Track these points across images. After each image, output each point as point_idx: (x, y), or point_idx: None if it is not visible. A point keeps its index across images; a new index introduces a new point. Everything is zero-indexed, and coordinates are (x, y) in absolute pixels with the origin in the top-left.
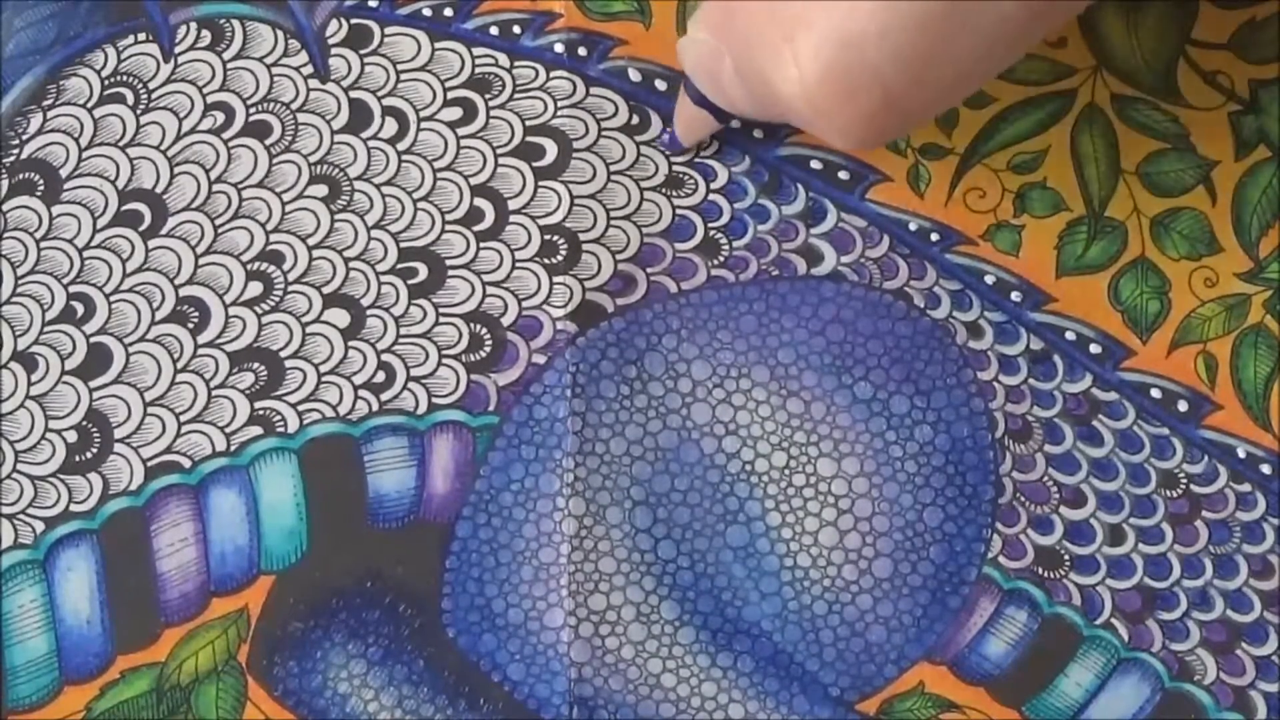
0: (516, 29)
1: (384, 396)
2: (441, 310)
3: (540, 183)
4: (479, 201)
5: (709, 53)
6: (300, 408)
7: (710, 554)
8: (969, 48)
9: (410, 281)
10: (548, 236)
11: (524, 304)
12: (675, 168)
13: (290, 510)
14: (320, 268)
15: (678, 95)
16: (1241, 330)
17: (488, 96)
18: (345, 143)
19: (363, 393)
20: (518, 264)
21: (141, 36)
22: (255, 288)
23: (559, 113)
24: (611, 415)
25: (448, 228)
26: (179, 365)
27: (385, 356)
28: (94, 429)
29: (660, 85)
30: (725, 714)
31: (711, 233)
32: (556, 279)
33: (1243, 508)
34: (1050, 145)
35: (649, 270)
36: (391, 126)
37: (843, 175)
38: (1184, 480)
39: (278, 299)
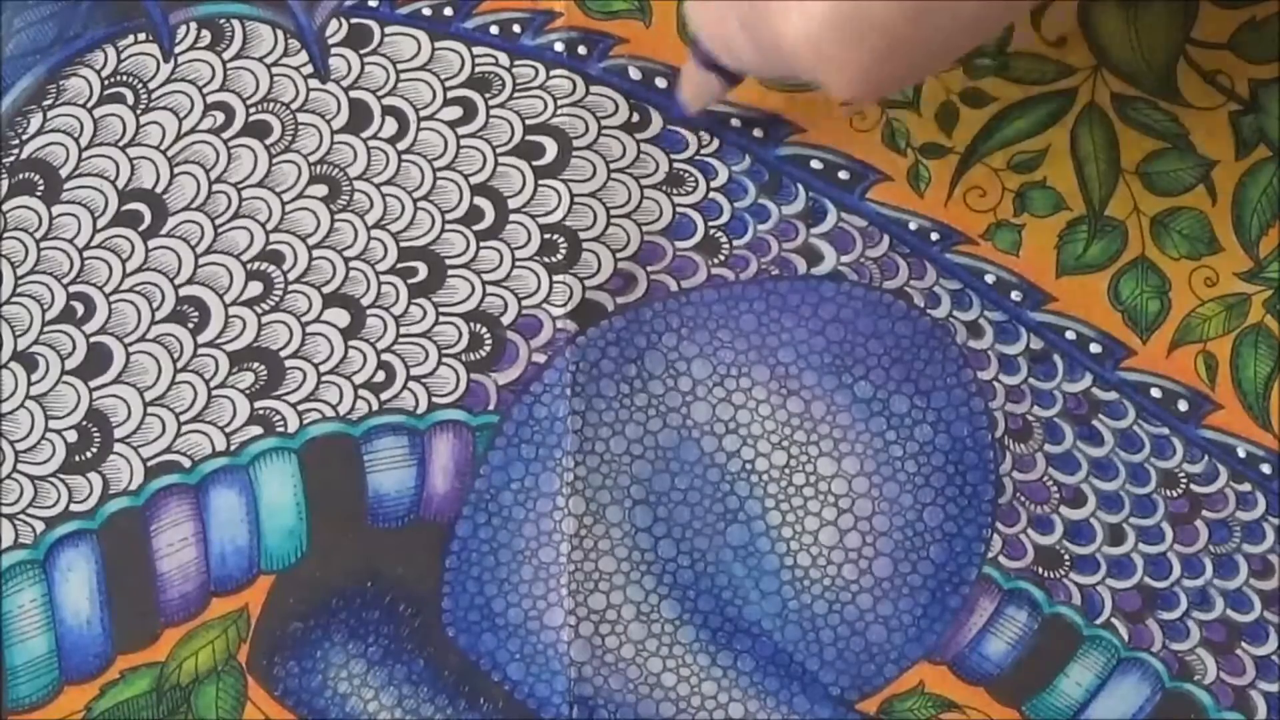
0: (516, 28)
1: (384, 396)
2: (441, 310)
3: (540, 181)
4: (479, 201)
5: (715, 10)
6: (300, 407)
7: (710, 553)
8: None
9: (410, 281)
10: (548, 235)
11: (524, 303)
12: (676, 166)
13: (290, 510)
14: (320, 268)
15: (683, 65)
16: (1241, 330)
17: (488, 96)
18: (345, 143)
19: (363, 392)
20: (518, 263)
21: (141, 36)
22: (255, 288)
23: (559, 111)
24: (611, 414)
25: (448, 227)
26: (179, 365)
27: (385, 356)
28: (94, 429)
29: (661, 83)
30: (725, 713)
31: (712, 231)
32: (556, 278)
33: (1243, 507)
34: (1050, 145)
35: (649, 269)
36: (391, 126)
37: (843, 175)
38: (1184, 480)
39: (278, 299)
